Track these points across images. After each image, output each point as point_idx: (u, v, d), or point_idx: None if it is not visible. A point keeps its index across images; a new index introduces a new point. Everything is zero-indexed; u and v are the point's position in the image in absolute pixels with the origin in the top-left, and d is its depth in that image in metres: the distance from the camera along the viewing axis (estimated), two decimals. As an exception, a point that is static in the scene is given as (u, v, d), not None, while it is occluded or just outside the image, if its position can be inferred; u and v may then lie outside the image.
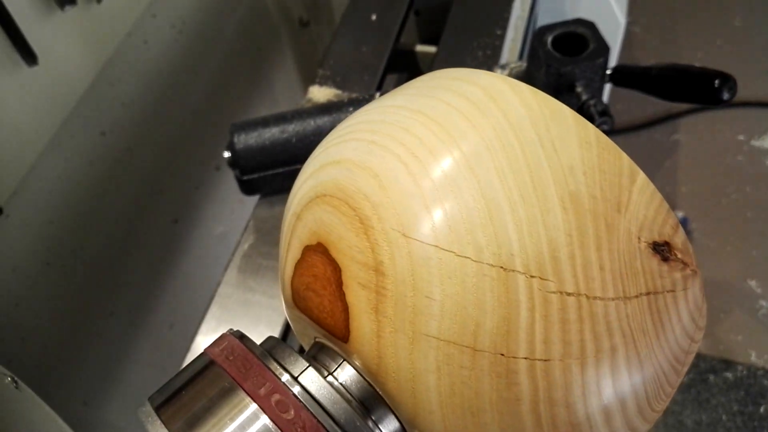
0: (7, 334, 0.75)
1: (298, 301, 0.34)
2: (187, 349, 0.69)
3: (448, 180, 0.29)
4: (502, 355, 0.28)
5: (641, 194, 0.30)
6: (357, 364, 0.31)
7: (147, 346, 0.98)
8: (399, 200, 0.29)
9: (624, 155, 0.31)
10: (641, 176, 0.31)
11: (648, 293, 0.30)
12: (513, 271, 0.28)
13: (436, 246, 0.28)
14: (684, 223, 1.51)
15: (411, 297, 0.29)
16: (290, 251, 0.34)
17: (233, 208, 1.16)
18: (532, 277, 0.28)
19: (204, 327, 0.70)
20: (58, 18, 0.74)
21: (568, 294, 0.28)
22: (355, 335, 0.30)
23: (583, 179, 0.29)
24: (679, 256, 0.31)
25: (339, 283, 0.31)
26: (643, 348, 0.30)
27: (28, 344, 0.78)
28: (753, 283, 1.42)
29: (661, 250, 0.30)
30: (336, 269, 0.31)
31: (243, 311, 0.70)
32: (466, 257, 0.28)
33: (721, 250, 1.48)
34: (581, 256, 0.28)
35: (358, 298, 0.30)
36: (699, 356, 1.28)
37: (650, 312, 0.30)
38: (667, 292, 0.31)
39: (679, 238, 0.31)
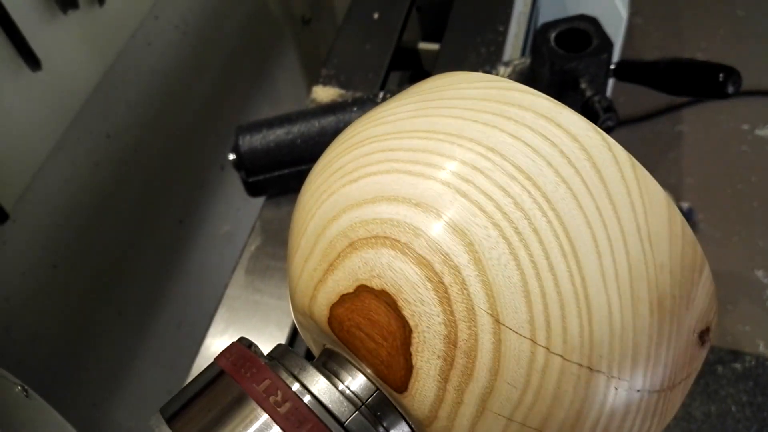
0: (16, 337, 0.75)
1: (338, 331, 0.31)
2: (196, 351, 0.70)
3: (553, 271, 0.27)
4: None
5: (704, 288, 0.31)
6: (369, 372, 0.31)
7: (155, 345, 0.99)
8: (495, 281, 0.27)
9: (698, 246, 0.30)
10: (707, 269, 0.31)
11: (686, 377, 0.31)
12: (598, 371, 0.28)
13: (531, 340, 0.27)
14: (689, 214, 1.50)
15: (490, 380, 0.28)
16: (334, 276, 0.31)
17: (238, 207, 1.16)
18: (612, 377, 0.28)
19: (212, 329, 0.70)
20: (61, 22, 0.74)
21: (637, 391, 0.29)
22: (413, 394, 0.29)
23: (669, 279, 0.29)
24: (710, 336, 0.32)
25: (406, 343, 0.29)
26: (667, 421, 0.32)
27: (37, 347, 0.79)
28: (760, 273, 1.41)
29: (703, 335, 0.31)
30: (405, 328, 0.29)
31: (251, 313, 0.70)
32: (557, 355, 0.28)
33: (727, 241, 1.47)
34: (655, 356, 0.29)
35: (428, 365, 0.29)
36: (706, 347, 1.28)
37: (681, 392, 0.31)
38: (695, 370, 0.32)
39: (715, 320, 0.32)
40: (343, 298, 0.30)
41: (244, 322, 0.70)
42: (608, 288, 0.28)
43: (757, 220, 1.50)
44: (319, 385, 0.30)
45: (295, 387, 0.30)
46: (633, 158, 0.29)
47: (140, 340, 0.97)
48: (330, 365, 0.33)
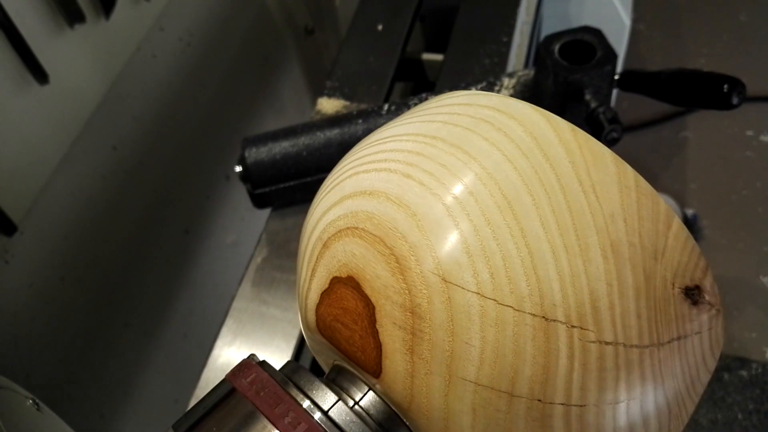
0: (24, 349, 0.75)
1: (323, 329, 0.33)
2: (202, 362, 0.70)
3: (491, 226, 0.29)
4: (539, 401, 0.29)
5: (676, 240, 0.31)
6: (379, 388, 0.32)
7: (161, 356, 0.99)
8: (439, 243, 0.29)
9: (661, 200, 0.31)
10: (676, 221, 0.31)
11: (679, 338, 0.30)
12: (554, 321, 0.28)
13: (478, 294, 0.28)
14: (694, 220, 1.50)
15: (449, 342, 0.29)
16: (315, 278, 0.34)
17: (243, 217, 1.17)
18: (573, 327, 0.28)
19: (220, 341, 0.70)
20: (68, 36, 0.75)
21: (607, 343, 0.29)
22: (387, 373, 0.31)
23: (623, 227, 0.29)
24: (707, 298, 0.32)
25: (372, 321, 0.31)
26: (670, 391, 0.31)
27: (45, 358, 0.79)
28: (766, 280, 1.41)
29: (692, 294, 0.31)
30: (369, 306, 0.31)
31: (258, 325, 0.71)
32: (507, 306, 0.28)
33: (732, 247, 1.47)
34: (620, 305, 0.29)
35: (392, 338, 0.30)
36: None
37: (679, 356, 0.31)
38: (695, 334, 0.31)
39: (708, 281, 0.32)
40: (323, 297, 0.33)
41: (250, 334, 0.70)
42: (550, 235, 0.28)
43: (763, 226, 1.50)
44: (329, 401, 0.30)
45: (306, 404, 0.30)
46: (575, 126, 0.31)
47: (147, 351, 0.97)
48: (339, 381, 0.33)
